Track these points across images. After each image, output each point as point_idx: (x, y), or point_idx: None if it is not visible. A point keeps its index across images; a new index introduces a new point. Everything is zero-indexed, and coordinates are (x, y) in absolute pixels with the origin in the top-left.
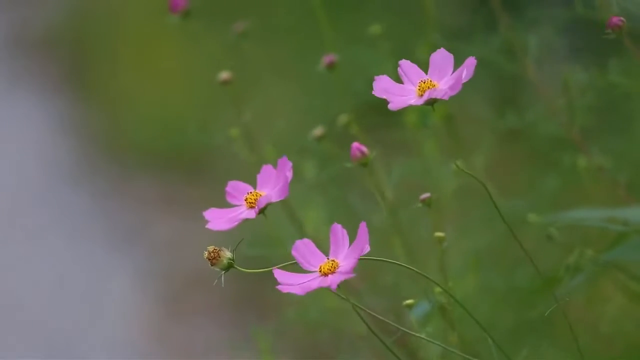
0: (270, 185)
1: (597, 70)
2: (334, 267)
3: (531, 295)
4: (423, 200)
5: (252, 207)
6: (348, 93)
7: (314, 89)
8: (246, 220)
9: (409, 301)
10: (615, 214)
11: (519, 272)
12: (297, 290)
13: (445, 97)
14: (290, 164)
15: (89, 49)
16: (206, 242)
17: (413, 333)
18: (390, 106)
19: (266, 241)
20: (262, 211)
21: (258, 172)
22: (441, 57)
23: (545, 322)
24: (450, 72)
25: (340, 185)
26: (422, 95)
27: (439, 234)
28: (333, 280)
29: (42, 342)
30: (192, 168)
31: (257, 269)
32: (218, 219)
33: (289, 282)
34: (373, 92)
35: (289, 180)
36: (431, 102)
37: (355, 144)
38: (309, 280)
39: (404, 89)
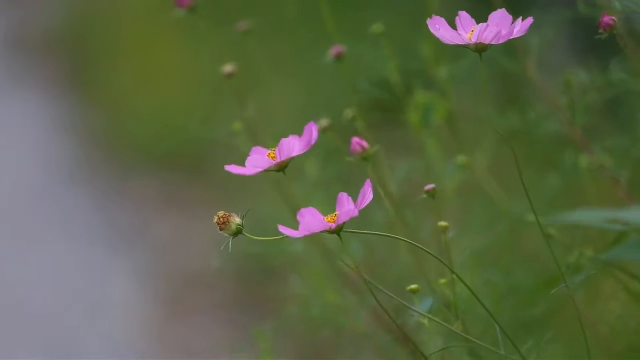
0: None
1: (598, 69)
2: (336, 217)
3: (532, 294)
4: (427, 191)
5: (273, 159)
6: (351, 90)
7: (316, 86)
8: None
9: (413, 286)
10: (615, 215)
11: (519, 271)
12: (301, 232)
13: (495, 41)
14: (317, 126)
15: (89, 49)
16: (206, 242)
17: (417, 310)
18: (441, 35)
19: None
20: (282, 169)
21: None
22: (499, 16)
23: (545, 321)
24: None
25: (343, 183)
26: (472, 36)
27: (443, 223)
28: (337, 220)
29: (41, 342)
30: (192, 168)
31: (258, 265)
32: (240, 168)
33: (294, 231)
34: (427, 23)
35: (314, 140)
36: (480, 48)
37: (355, 139)
38: (314, 224)
39: (457, 33)
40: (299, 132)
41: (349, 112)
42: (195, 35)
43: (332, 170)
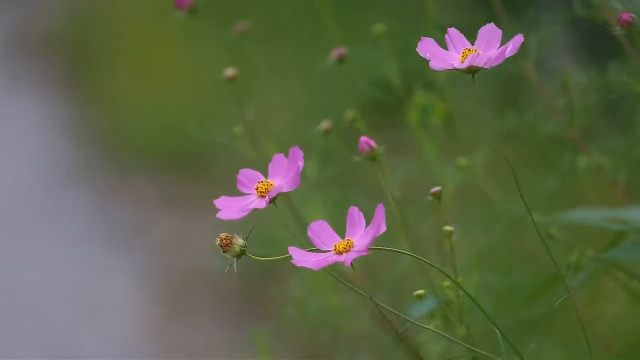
0: (282, 175)
1: (596, 70)
2: (349, 246)
3: (531, 295)
4: (433, 194)
5: (262, 197)
6: (350, 92)
7: (316, 88)
8: (255, 210)
9: (420, 291)
10: (614, 214)
11: (519, 272)
12: (312, 265)
13: (487, 66)
14: (302, 153)
15: (89, 49)
16: (206, 242)
17: (421, 324)
18: (432, 65)
19: (268, 240)
20: (272, 201)
21: (258, 170)
22: (490, 30)
23: (545, 321)
24: (497, 47)
25: (343, 185)
26: (464, 62)
27: (448, 227)
28: (348, 257)
29: (41, 343)
30: (191, 168)
31: (258, 265)
32: (228, 208)
33: (304, 259)
34: (417, 50)
35: (301, 169)
36: (472, 70)
37: (363, 138)
38: (324, 257)
39: (448, 54)
40: (298, 133)
41: (349, 114)
42: (195, 35)
43: (333, 171)
